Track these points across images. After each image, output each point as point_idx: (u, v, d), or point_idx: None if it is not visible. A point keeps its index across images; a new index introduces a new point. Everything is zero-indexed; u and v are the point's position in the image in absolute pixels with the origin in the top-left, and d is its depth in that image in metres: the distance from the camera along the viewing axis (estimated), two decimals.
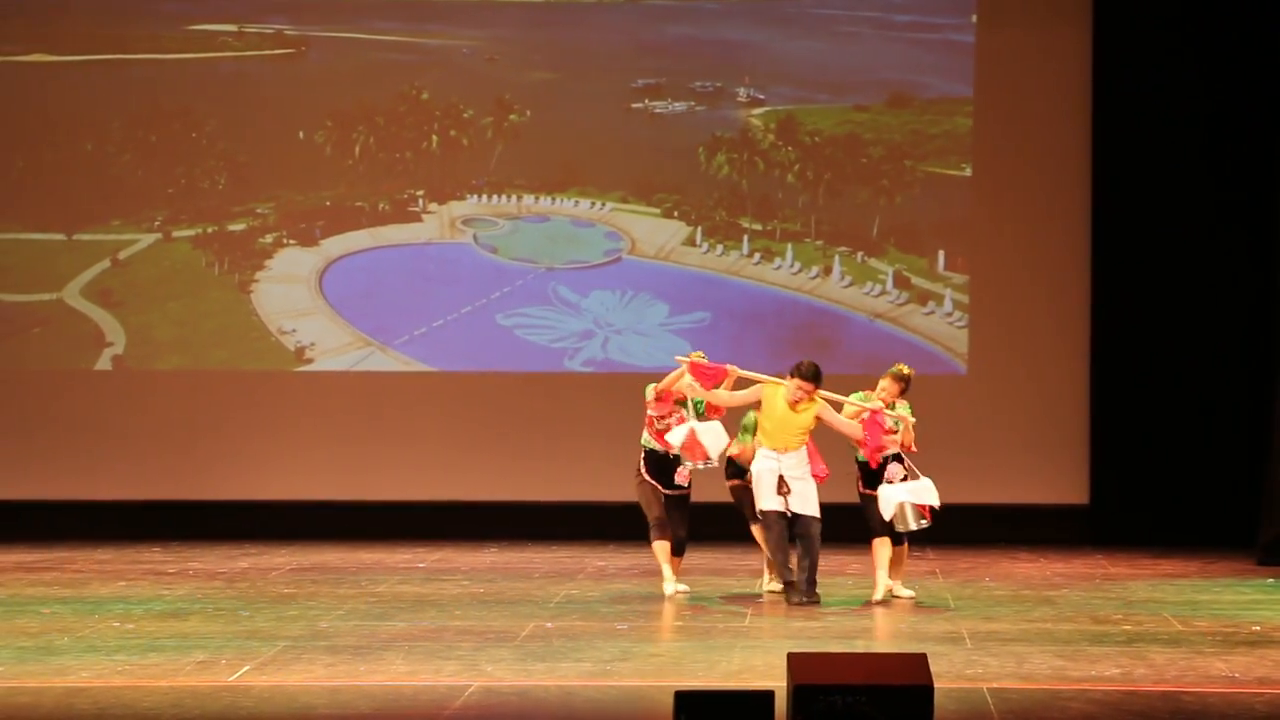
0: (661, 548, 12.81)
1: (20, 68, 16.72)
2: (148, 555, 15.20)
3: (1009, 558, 15.20)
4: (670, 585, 12.81)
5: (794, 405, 12.38)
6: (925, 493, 12.42)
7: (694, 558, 14.98)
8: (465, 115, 16.72)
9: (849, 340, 16.42)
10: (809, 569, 12.39)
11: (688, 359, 12.73)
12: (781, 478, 12.38)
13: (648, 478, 12.78)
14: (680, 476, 12.75)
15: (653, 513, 12.78)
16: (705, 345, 16.19)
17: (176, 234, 16.78)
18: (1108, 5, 16.11)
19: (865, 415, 12.50)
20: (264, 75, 16.77)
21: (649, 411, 12.80)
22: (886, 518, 12.42)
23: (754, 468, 12.52)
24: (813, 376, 12.39)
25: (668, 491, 12.78)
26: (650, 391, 12.73)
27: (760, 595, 12.89)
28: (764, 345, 16.28)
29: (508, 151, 16.71)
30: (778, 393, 12.45)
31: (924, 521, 12.39)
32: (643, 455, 12.80)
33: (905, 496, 12.38)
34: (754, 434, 12.69)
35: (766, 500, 12.41)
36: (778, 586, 12.76)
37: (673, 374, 12.71)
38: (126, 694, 9.34)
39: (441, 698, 9.28)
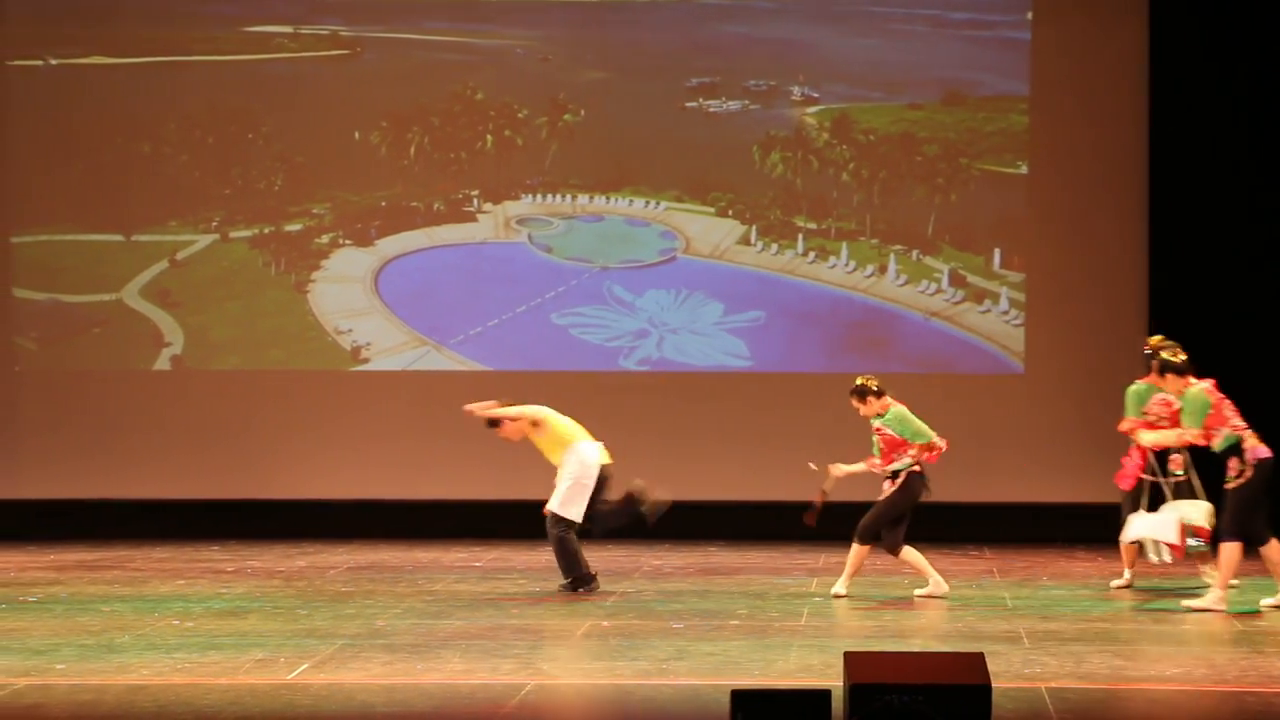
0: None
1: (78, 70, 16.81)
2: (206, 554, 15.28)
3: (1066, 556, 15.13)
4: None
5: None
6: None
7: (753, 557, 14.99)
8: (520, 115, 16.74)
9: (904, 339, 16.37)
10: None
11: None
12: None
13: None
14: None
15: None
16: (760, 344, 16.27)
17: (233, 234, 16.86)
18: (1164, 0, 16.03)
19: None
20: (319, 76, 16.83)
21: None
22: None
23: None
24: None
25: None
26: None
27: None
28: (819, 344, 16.27)
29: (562, 151, 16.72)
30: None
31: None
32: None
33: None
34: None
35: None
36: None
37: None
38: (186, 692, 9.40)
39: (498, 696, 9.30)
